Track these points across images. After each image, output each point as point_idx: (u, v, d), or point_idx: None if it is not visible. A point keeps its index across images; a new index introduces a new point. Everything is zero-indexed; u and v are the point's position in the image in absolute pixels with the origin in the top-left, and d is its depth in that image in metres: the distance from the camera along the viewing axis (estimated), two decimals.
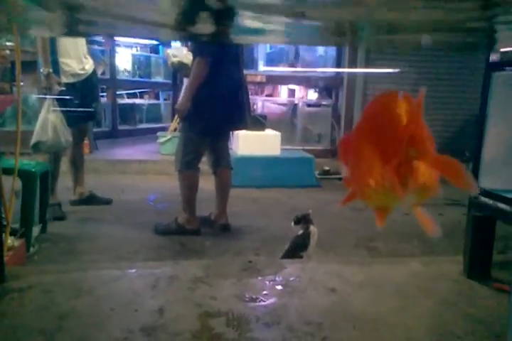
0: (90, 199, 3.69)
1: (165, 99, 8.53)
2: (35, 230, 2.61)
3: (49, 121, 3.15)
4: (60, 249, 2.69)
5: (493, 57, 1.92)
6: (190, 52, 4.05)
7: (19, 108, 2.28)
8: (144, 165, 5.25)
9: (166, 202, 4.04)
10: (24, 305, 1.64)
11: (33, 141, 3.13)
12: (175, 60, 4.77)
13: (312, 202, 4.14)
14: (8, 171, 2.15)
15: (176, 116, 5.65)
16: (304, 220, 2.64)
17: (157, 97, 8.57)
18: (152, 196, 4.25)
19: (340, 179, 5.45)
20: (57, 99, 3.24)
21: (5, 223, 2.04)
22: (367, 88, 5.99)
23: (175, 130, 5.77)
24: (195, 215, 3.15)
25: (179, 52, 4.80)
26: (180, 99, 3.09)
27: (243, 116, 3.19)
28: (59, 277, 1.88)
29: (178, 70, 5.61)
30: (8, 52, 4.06)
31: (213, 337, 1.50)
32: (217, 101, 3.00)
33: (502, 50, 1.90)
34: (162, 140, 5.56)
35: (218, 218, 3.27)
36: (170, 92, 8.06)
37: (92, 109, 3.55)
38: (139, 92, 7.86)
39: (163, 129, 6.22)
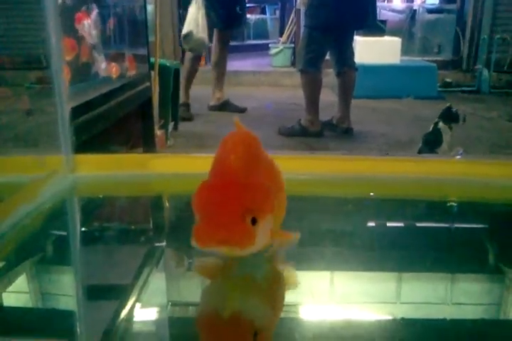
0: (225, 106, 3.72)
1: (271, 14, 8.24)
2: (169, 126, 2.73)
3: (198, 17, 3.19)
4: (193, 144, 2.81)
5: None
6: None
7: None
8: (257, 77, 5.22)
9: (282, 109, 4.03)
10: None
11: (184, 31, 3.26)
12: None
13: (436, 113, 3.89)
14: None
15: (291, 21, 5.46)
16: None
17: (263, 12, 8.28)
18: (269, 104, 4.26)
19: (463, 92, 5.04)
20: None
21: None
22: None
23: (285, 42, 5.62)
24: (318, 117, 3.11)
25: None
26: None
27: (368, 14, 3.00)
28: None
29: None
30: None
31: None
32: None
33: None
34: (274, 51, 5.45)
35: (340, 121, 3.20)
36: (277, 6, 7.76)
37: (239, 13, 3.51)
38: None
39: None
